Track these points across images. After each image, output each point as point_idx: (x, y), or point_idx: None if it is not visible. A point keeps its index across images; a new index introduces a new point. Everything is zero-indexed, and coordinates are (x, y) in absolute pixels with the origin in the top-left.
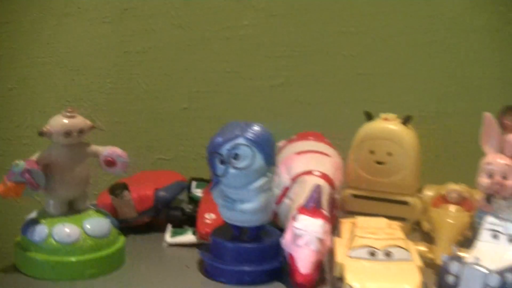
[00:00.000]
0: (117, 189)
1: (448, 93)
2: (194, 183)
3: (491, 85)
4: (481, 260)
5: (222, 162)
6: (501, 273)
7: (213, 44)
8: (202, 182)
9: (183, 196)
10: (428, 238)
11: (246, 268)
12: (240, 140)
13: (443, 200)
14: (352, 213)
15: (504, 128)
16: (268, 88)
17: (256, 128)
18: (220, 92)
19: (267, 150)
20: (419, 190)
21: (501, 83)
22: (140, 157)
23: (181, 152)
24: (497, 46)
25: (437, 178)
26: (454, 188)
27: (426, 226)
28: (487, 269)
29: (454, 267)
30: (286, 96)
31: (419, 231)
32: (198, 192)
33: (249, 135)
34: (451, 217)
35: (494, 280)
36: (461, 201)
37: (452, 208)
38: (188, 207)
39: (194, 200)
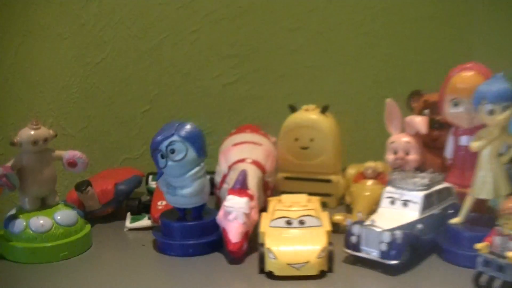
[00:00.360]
0: (82, 186)
1: (386, 79)
2: (150, 177)
3: (425, 70)
4: (376, 222)
5: (162, 156)
6: (392, 230)
7: (167, 50)
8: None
9: (143, 189)
10: (350, 209)
11: (190, 242)
12: (175, 138)
13: (362, 176)
14: (286, 193)
15: (412, 110)
16: (221, 86)
17: (187, 126)
18: (177, 93)
19: (198, 144)
20: (343, 169)
21: (434, 68)
22: (108, 158)
23: (146, 151)
24: (429, 33)
25: (368, 157)
26: (370, 165)
27: (348, 199)
28: (380, 228)
29: (355, 229)
30: (238, 92)
31: (344, 204)
32: (153, 184)
33: (182, 133)
34: (367, 189)
35: (386, 236)
36: (377, 176)
37: (369, 182)
38: (145, 198)
39: (150, 192)
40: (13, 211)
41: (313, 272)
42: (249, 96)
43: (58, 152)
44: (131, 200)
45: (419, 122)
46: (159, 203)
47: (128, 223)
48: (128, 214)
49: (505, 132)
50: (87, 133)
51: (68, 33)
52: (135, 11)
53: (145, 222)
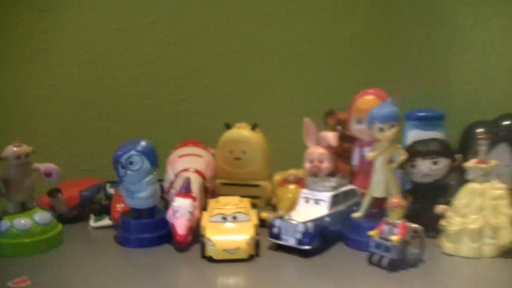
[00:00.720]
0: (53, 192)
1: (317, 95)
2: (108, 185)
3: (341, 89)
4: (293, 216)
5: (123, 167)
6: (305, 223)
7: (122, 72)
8: (114, 183)
9: (101, 194)
10: (276, 209)
11: (145, 235)
12: (133, 152)
13: (285, 181)
14: (222, 196)
15: (327, 126)
16: (170, 104)
17: (143, 143)
18: (131, 111)
19: (151, 157)
20: (270, 176)
21: (349, 86)
22: (70, 169)
23: (103, 164)
24: (346, 57)
25: (291, 165)
26: (292, 172)
27: (274, 200)
28: (295, 221)
29: (277, 222)
30: (183, 110)
31: (271, 205)
32: (111, 190)
33: (139, 148)
34: (289, 192)
35: (300, 227)
36: (298, 181)
37: (291, 186)
38: (105, 202)
39: (109, 196)
40: None
41: (244, 256)
42: (194, 112)
43: (36, 165)
44: (94, 204)
45: (330, 137)
46: (117, 205)
47: (92, 223)
48: (92, 215)
49: (393, 145)
50: (52, 147)
51: (31, 58)
52: (94, 37)
53: (106, 221)
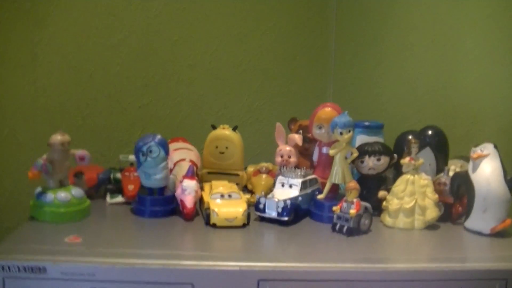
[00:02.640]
0: (78, 174)
1: (258, 105)
2: (112, 171)
3: (292, 99)
4: (274, 196)
5: (143, 155)
6: (284, 201)
7: (97, 79)
8: (116, 169)
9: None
10: (251, 192)
11: (158, 208)
12: (152, 143)
13: (258, 172)
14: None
15: (290, 130)
16: (136, 108)
17: (159, 136)
18: (104, 112)
19: (165, 148)
20: (246, 168)
21: (299, 96)
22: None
23: None
24: (294, 69)
25: (259, 159)
26: (264, 164)
27: (250, 187)
28: (277, 199)
29: (262, 200)
30: (148, 113)
31: (246, 190)
32: (117, 175)
33: (156, 140)
34: (262, 180)
35: (281, 203)
36: (268, 172)
37: (263, 176)
38: (114, 185)
39: (115, 180)
40: (39, 189)
41: (239, 223)
42: (156, 116)
43: (72, 150)
44: (109, 184)
45: (297, 138)
46: (129, 186)
47: (108, 200)
48: (108, 194)
49: (349, 145)
50: (38, 142)
51: (23, 64)
52: (74, 48)
53: (119, 199)
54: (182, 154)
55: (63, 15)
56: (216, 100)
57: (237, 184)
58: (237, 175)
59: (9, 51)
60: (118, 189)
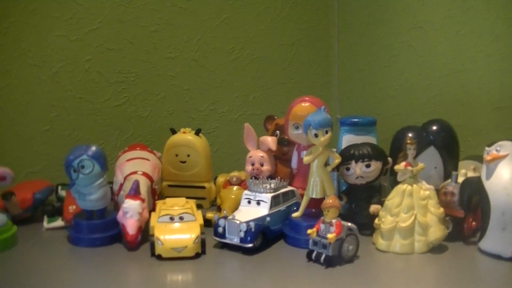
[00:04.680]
0: (7, 195)
1: (252, 99)
2: (59, 187)
3: (286, 90)
4: (236, 216)
5: (74, 171)
6: (247, 222)
7: (64, 77)
8: (65, 185)
9: (53, 197)
10: (220, 209)
11: (97, 235)
12: (84, 157)
13: (229, 183)
14: (169, 197)
15: (267, 130)
16: (110, 108)
17: (93, 148)
18: (73, 114)
19: (101, 161)
20: (215, 178)
21: (294, 87)
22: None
23: (46, 165)
24: (289, 59)
25: (234, 168)
26: (235, 174)
27: (218, 201)
28: (238, 221)
29: (221, 222)
30: (125, 113)
31: (216, 205)
32: (63, 192)
33: (89, 153)
34: (232, 193)
35: (243, 226)
36: (240, 183)
37: (234, 188)
38: (56, 203)
39: (60, 198)
40: None
41: (190, 254)
42: (135, 116)
43: None
44: (46, 206)
45: (270, 141)
46: (69, 207)
47: (45, 224)
48: (45, 217)
49: (327, 149)
50: None
51: None
52: (36, 42)
53: (59, 223)
54: (135, 165)
55: (19, 5)
56: (204, 95)
57: (203, 198)
58: (203, 187)
59: None
60: (59, 210)
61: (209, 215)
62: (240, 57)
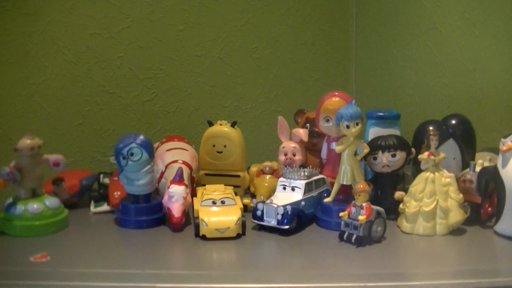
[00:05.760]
0: (57, 180)
1: (274, 96)
2: (101, 175)
3: (307, 88)
4: (273, 201)
5: (124, 158)
6: (284, 206)
7: (96, 73)
8: (107, 174)
9: (95, 184)
10: (253, 196)
11: (143, 218)
12: (133, 145)
13: (262, 172)
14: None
15: (297, 123)
16: (140, 103)
17: (141, 137)
18: (105, 109)
19: (149, 149)
20: (248, 168)
21: (314, 85)
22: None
23: (79, 157)
24: (311, 57)
25: (266, 158)
26: (267, 164)
27: (252, 189)
28: (276, 204)
29: (260, 206)
30: (154, 108)
31: (249, 193)
32: (106, 180)
33: (138, 141)
34: (266, 182)
35: (280, 210)
36: (272, 172)
37: (267, 176)
38: (100, 190)
39: (103, 185)
40: (10, 200)
41: (232, 234)
42: (163, 111)
43: (45, 156)
44: (92, 192)
45: (302, 133)
46: (114, 193)
47: (92, 208)
48: (92, 202)
49: (357, 140)
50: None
51: (14, 58)
52: (71, 40)
53: (105, 207)
54: (175, 155)
55: (57, 4)
56: (228, 91)
57: (238, 186)
58: (238, 176)
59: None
60: (104, 196)
61: (246, 201)
62: (263, 56)
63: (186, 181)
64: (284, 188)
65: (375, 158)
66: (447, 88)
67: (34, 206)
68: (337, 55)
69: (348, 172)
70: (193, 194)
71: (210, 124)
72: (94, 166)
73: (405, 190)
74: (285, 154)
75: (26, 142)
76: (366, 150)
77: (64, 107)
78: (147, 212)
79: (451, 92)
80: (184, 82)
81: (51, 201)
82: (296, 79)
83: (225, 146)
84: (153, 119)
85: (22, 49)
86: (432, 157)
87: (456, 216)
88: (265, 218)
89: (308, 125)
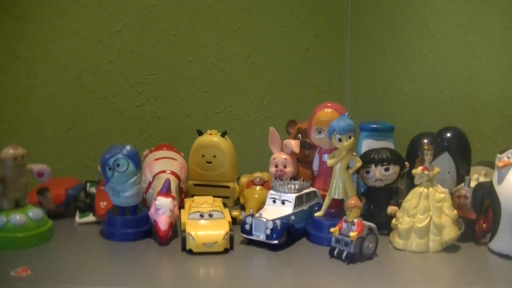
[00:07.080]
0: (42, 190)
1: (268, 102)
2: (88, 184)
3: (301, 94)
4: (263, 215)
5: (110, 169)
6: (274, 220)
7: (87, 78)
8: (94, 182)
9: (82, 193)
10: (243, 208)
11: (130, 230)
12: (119, 155)
13: (252, 183)
14: (196, 196)
15: (288, 134)
16: (131, 108)
17: (128, 147)
18: (95, 114)
19: (136, 160)
20: (238, 178)
21: (308, 91)
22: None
23: (68, 163)
24: (304, 63)
25: (256, 169)
26: (258, 175)
27: (242, 200)
28: (265, 218)
29: (248, 219)
30: (145, 114)
31: (239, 204)
32: (92, 189)
33: (124, 152)
34: (256, 193)
35: (270, 224)
36: (263, 183)
37: (257, 188)
38: (86, 200)
39: (90, 195)
40: None
41: (220, 249)
42: (155, 116)
43: (29, 166)
44: (78, 202)
45: (293, 144)
46: (101, 203)
47: (77, 219)
48: (77, 212)
49: (350, 153)
50: None
51: (3, 62)
52: (61, 45)
53: (90, 218)
54: (164, 164)
55: (47, 8)
56: (221, 97)
57: (227, 197)
58: (228, 187)
59: None
60: (91, 206)
61: (235, 213)
62: (257, 62)
63: (174, 192)
64: (274, 201)
65: (368, 172)
66: (443, 95)
67: (16, 217)
68: (332, 61)
69: (340, 186)
70: (182, 205)
71: (200, 133)
72: (83, 173)
73: (399, 205)
74: (276, 166)
75: (9, 152)
76: (359, 164)
77: (54, 112)
78: (133, 225)
79: (447, 100)
80: (176, 88)
81: (34, 213)
82: (290, 85)
83: (214, 156)
84: (145, 124)
85: (11, 53)
86: (426, 172)
87: (450, 232)
88: (254, 232)
89: (300, 136)
